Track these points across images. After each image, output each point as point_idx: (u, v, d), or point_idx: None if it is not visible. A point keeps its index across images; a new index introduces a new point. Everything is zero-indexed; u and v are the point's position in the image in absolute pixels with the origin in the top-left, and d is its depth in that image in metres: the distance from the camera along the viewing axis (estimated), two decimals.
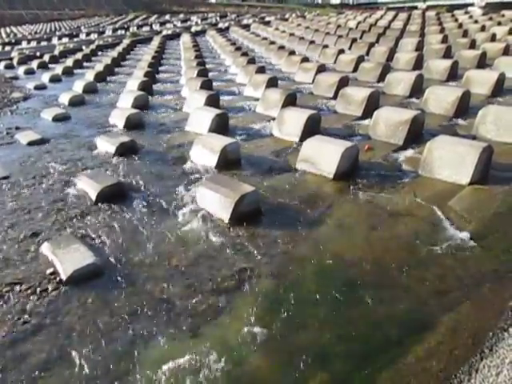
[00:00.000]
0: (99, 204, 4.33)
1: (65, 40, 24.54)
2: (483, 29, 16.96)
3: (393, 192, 4.44)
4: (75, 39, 25.14)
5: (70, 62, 14.35)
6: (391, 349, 2.46)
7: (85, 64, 14.71)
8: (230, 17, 38.52)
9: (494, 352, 2.34)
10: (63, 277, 3.14)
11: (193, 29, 27.10)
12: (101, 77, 11.60)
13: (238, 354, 2.47)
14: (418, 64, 10.99)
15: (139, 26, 31.77)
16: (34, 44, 23.33)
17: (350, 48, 14.84)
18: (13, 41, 25.73)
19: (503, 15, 22.30)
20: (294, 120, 6.17)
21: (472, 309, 2.73)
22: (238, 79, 10.88)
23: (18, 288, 3.08)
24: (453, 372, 2.24)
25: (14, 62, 15.28)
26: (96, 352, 2.52)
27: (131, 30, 28.81)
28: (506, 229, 3.68)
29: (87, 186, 4.58)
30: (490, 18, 21.03)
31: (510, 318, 2.58)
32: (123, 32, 27.44)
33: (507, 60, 10.09)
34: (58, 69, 13.25)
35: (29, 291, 3.05)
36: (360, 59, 11.57)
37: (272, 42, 16.79)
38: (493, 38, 14.44)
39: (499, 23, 18.60)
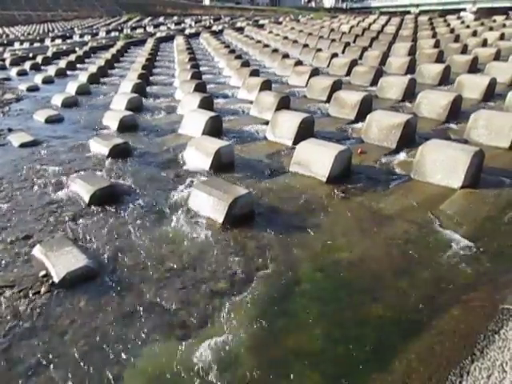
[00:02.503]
0: (92, 206, 4.31)
1: (58, 41, 24.41)
2: (475, 34, 17.13)
3: (385, 195, 4.47)
4: (68, 41, 25.03)
5: (63, 63, 14.29)
6: (383, 351, 2.48)
7: (78, 66, 14.66)
8: (223, 19, 38.58)
9: (485, 354, 2.36)
10: (56, 279, 3.12)
11: (187, 31, 27.13)
12: (94, 79, 11.55)
13: (232, 358, 2.47)
14: (411, 68, 11.08)
15: (133, 28, 31.73)
16: (26, 45, 23.21)
17: (343, 52, 14.93)
18: (5, 42, 25.56)
19: (494, 20, 22.57)
20: (288, 123, 6.19)
21: (463, 311, 2.76)
22: (231, 82, 10.90)
23: (9, 291, 3.06)
24: (444, 374, 2.26)
25: (7, 63, 15.18)
26: (88, 355, 2.51)
27: (125, 31, 28.74)
28: (496, 232, 3.72)
29: (80, 188, 4.56)
30: (482, 24, 21.26)
31: (501, 320, 2.61)
32: (117, 34, 27.36)
33: (498, 65, 10.21)
34: (51, 70, 13.19)
35: (21, 294, 3.03)
36: (353, 63, 11.64)
37: (266, 45, 16.85)
38: (484, 43, 14.61)
39: (491, 28, 18.80)
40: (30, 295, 3.01)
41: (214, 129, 6.49)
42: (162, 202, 4.42)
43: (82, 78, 11.59)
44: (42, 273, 3.22)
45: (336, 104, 7.64)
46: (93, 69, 12.65)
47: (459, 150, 4.65)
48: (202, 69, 12.50)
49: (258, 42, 18.52)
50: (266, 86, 9.11)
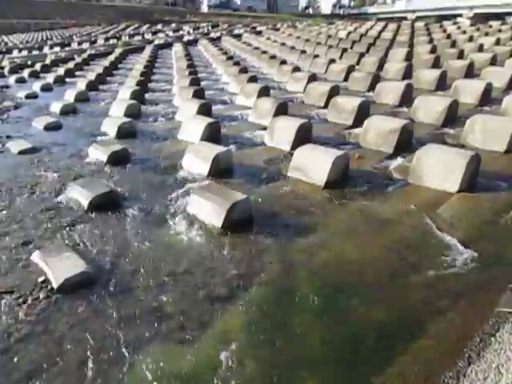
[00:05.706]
0: (91, 212, 4.33)
1: (56, 49, 24.44)
2: (471, 39, 17.26)
3: (383, 200, 4.50)
4: (67, 48, 25.07)
5: (61, 70, 14.33)
6: (380, 354, 2.49)
7: (76, 73, 14.69)
8: (221, 26, 38.78)
9: (481, 357, 2.38)
10: (54, 285, 3.13)
11: (185, 38, 27.25)
12: (92, 86, 11.59)
13: (230, 362, 2.48)
14: (408, 74, 11.16)
15: (131, 36, 31.83)
16: (25, 53, 23.27)
17: (340, 58, 15.01)
18: (4, 50, 25.64)
19: (490, 26, 22.78)
20: (286, 129, 6.23)
21: (459, 314, 2.78)
22: (229, 88, 10.96)
23: (8, 297, 3.07)
24: (441, 377, 2.27)
25: (5, 70, 15.21)
26: (87, 361, 2.52)
27: (123, 39, 28.86)
28: (493, 235, 3.75)
29: (79, 195, 4.58)
30: (478, 29, 21.45)
31: (497, 323, 2.63)
32: (115, 41, 27.46)
33: (494, 70, 10.29)
34: (50, 78, 13.24)
35: (20, 300, 3.04)
36: (350, 69, 11.72)
37: (263, 52, 16.92)
38: (480, 49, 14.72)
39: (487, 34, 18.97)
40: (29, 301, 3.02)
41: (213, 135, 6.52)
42: (160, 207, 4.44)
43: (81, 85, 11.63)
44: (41, 279, 3.23)
45: (334, 109, 7.68)
46: (91, 76, 12.69)
47: (455, 155, 4.69)
48: (200, 75, 12.56)
49: (256, 48, 18.61)
50: (264, 92, 9.17)
